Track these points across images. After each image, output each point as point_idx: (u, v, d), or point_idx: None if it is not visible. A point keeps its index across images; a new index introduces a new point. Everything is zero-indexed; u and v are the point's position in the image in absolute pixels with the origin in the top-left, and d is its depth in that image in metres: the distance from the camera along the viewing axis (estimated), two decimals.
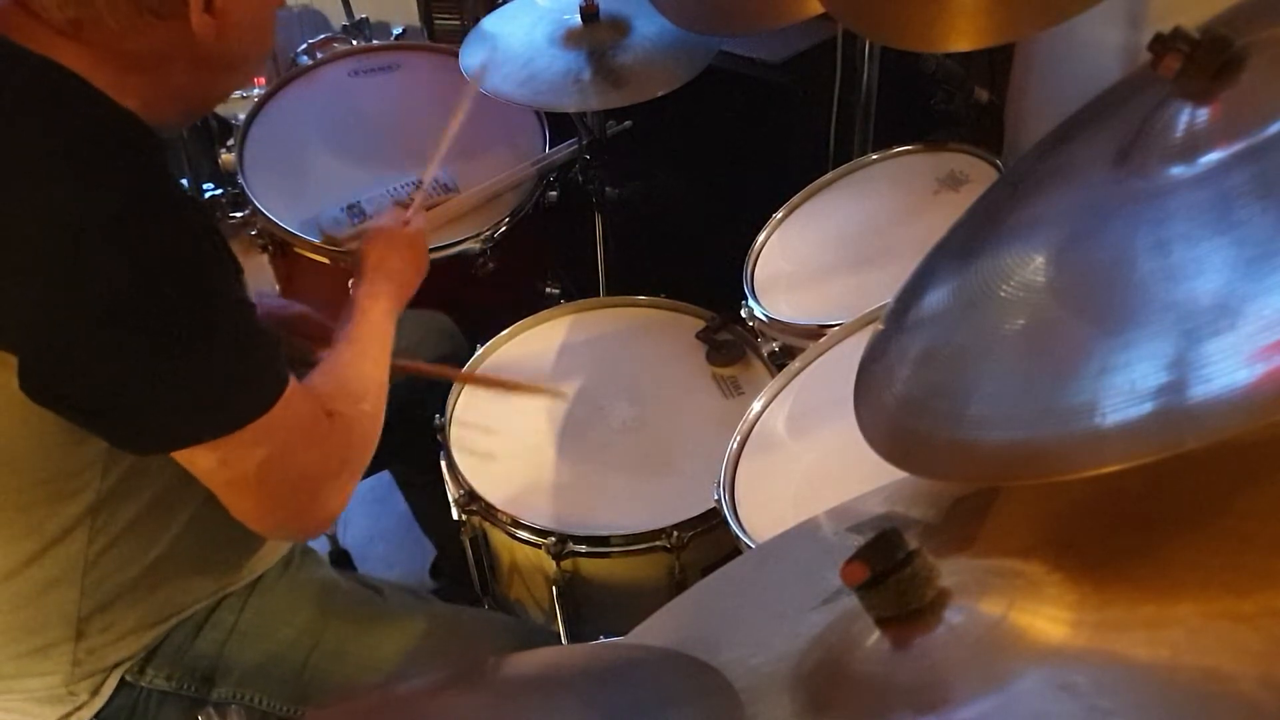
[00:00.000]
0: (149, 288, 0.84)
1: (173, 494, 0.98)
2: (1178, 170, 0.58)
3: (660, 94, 1.47)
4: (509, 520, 1.26)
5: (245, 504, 0.94)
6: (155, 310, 0.85)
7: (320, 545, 1.75)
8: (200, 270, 0.88)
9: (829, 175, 1.52)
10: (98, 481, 0.94)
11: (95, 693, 1.03)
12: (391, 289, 1.20)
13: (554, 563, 1.23)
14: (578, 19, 1.56)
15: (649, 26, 1.56)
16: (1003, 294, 0.64)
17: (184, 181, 2.40)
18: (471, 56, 1.58)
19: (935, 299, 0.72)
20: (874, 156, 1.54)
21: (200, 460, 0.90)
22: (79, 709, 1.03)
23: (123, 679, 1.04)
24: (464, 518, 1.31)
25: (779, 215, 1.49)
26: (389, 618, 1.15)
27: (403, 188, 1.63)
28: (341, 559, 1.90)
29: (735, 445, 1.16)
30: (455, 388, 1.42)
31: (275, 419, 0.90)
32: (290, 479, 0.95)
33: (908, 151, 1.51)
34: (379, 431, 1.07)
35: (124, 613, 1.02)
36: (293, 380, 0.94)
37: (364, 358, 1.10)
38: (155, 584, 1.03)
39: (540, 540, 1.23)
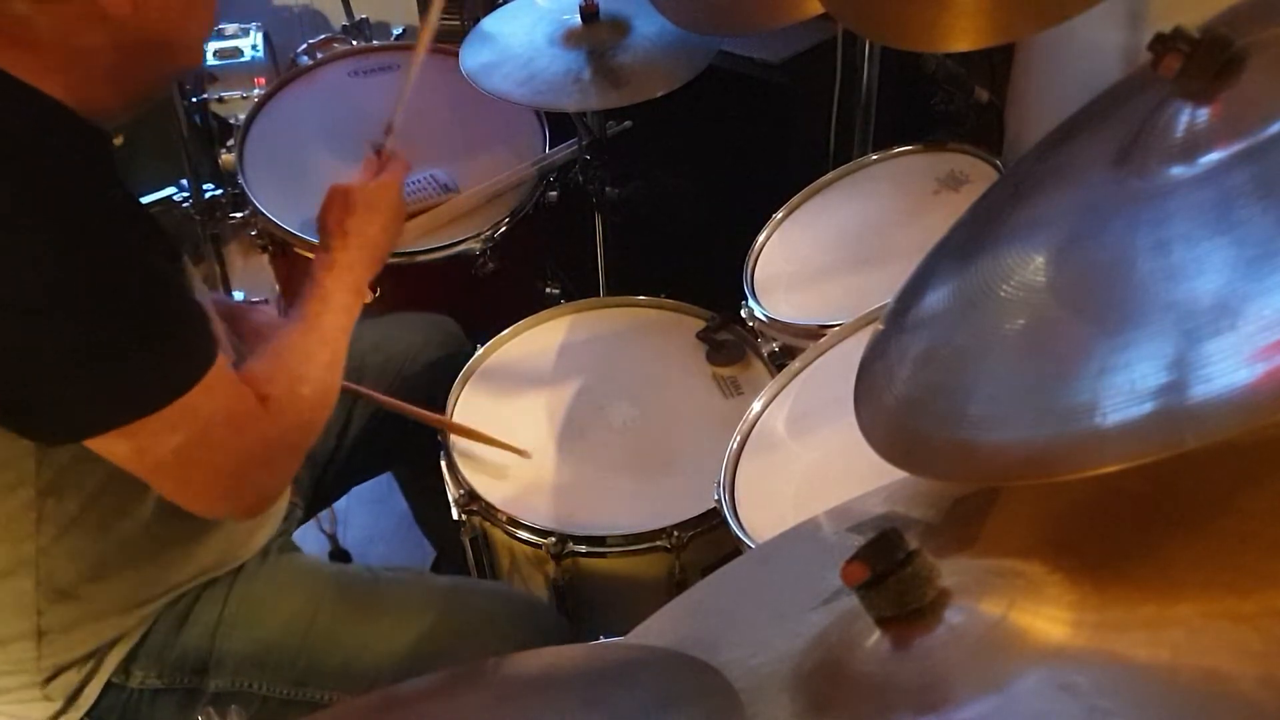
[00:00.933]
0: (62, 266, 0.82)
1: (123, 482, 0.96)
2: (1178, 170, 0.58)
3: (660, 94, 1.47)
4: (509, 520, 1.26)
5: (170, 488, 0.93)
6: (68, 288, 0.83)
7: (320, 545, 1.75)
8: (108, 250, 0.86)
9: (829, 175, 1.52)
10: (34, 472, 0.92)
11: (74, 697, 1.02)
12: (351, 255, 1.14)
13: (554, 562, 1.23)
14: (578, 19, 1.56)
15: (649, 26, 1.56)
16: (1003, 294, 0.64)
17: (184, 181, 2.40)
18: (472, 56, 1.58)
19: (935, 299, 0.72)
20: (874, 156, 1.54)
21: (116, 449, 0.88)
22: (61, 714, 1.02)
23: (109, 682, 1.03)
24: (464, 518, 1.31)
25: (779, 215, 1.49)
26: (385, 596, 1.15)
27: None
28: (341, 559, 1.90)
29: (735, 445, 1.16)
30: (455, 388, 1.42)
31: (191, 404, 0.88)
32: (213, 464, 0.93)
33: (908, 151, 1.51)
34: (325, 411, 1.05)
35: (85, 602, 1.00)
36: (218, 363, 0.92)
37: (310, 334, 1.06)
38: (115, 572, 1.01)
39: (540, 540, 1.23)
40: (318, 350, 1.06)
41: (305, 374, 1.03)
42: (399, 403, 1.33)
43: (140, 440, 0.88)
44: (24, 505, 0.93)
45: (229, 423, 0.93)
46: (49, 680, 1.01)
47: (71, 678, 1.02)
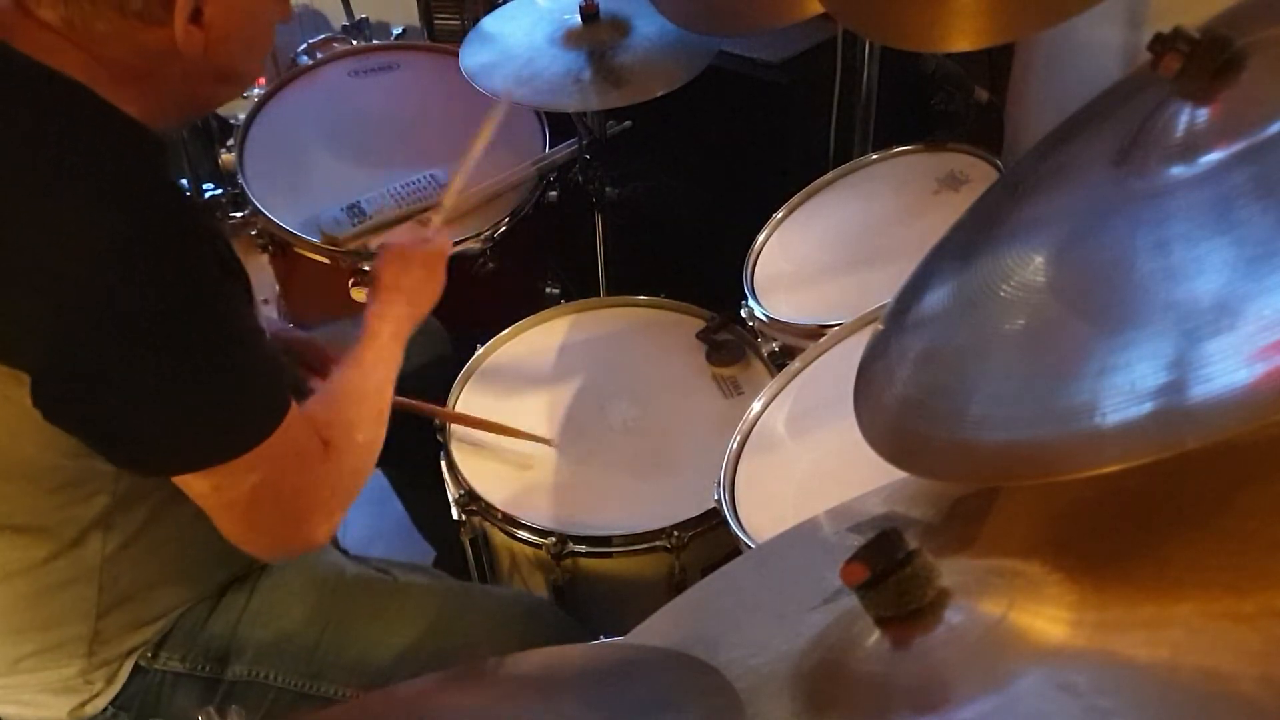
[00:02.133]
0: (160, 312, 0.84)
1: (182, 491, 0.98)
2: (1178, 170, 0.58)
3: (660, 93, 1.47)
4: (509, 520, 1.26)
5: (234, 526, 0.94)
6: (165, 334, 0.85)
7: None
8: (211, 295, 0.88)
9: (829, 175, 1.52)
10: (110, 487, 0.94)
11: (110, 680, 1.04)
12: (402, 309, 1.18)
13: (554, 563, 1.23)
14: (578, 19, 1.56)
15: (649, 26, 1.56)
16: (1003, 294, 0.64)
17: (184, 181, 2.40)
18: (472, 56, 1.58)
19: (935, 299, 0.72)
20: (874, 156, 1.54)
21: (195, 484, 0.91)
22: (95, 696, 1.04)
23: (136, 664, 1.05)
24: (464, 518, 1.31)
25: (779, 215, 1.49)
26: (400, 595, 1.16)
27: (403, 187, 1.63)
28: None
29: (735, 445, 1.16)
30: (455, 388, 1.42)
31: (271, 446, 0.91)
32: (281, 504, 0.95)
33: (908, 151, 1.51)
34: (373, 461, 1.06)
35: (141, 605, 1.03)
36: (292, 406, 0.94)
37: (365, 383, 1.09)
38: (170, 576, 1.04)
39: (540, 540, 1.23)
40: (372, 399, 1.08)
41: (359, 421, 1.05)
42: (412, 401, 1.33)
43: (219, 479, 0.90)
44: (96, 517, 0.95)
45: (300, 463, 0.95)
46: (93, 672, 1.03)
47: (113, 666, 1.04)
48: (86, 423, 0.87)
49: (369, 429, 1.06)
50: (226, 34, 0.91)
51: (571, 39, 1.56)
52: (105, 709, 1.04)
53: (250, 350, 0.92)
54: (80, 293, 0.81)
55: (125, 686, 1.05)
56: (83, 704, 1.03)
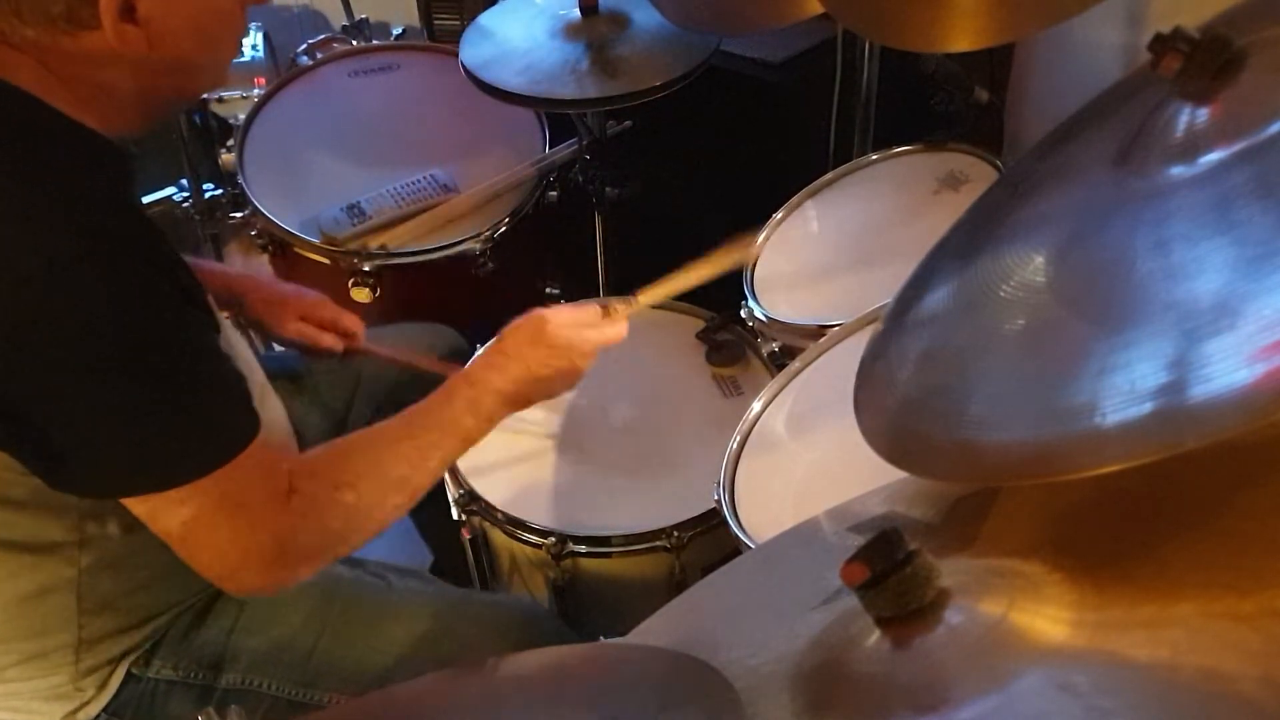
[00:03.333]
0: (98, 336, 0.81)
1: None
2: (1178, 170, 0.58)
3: (658, 84, 1.47)
4: (509, 520, 1.26)
5: (179, 554, 0.90)
6: (101, 360, 0.82)
7: None
8: (155, 318, 0.84)
9: (829, 175, 1.52)
10: (77, 501, 0.92)
11: (101, 687, 1.04)
12: (502, 383, 1.03)
13: (554, 563, 1.23)
14: (577, 13, 1.56)
15: (648, 20, 1.55)
16: (1003, 294, 0.64)
17: (184, 181, 2.40)
18: (471, 53, 1.58)
19: (935, 299, 0.72)
20: (874, 156, 1.54)
21: (133, 507, 0.88)
22: (87, 704, 1.03)
23: (129, 672, 1.05)
24: (464, 518, 1.31)
25: (779, 215, 1.49)
26: (396, 602, 1.15)
27: (402, 187, 1.63)
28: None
29: (735, 445, 1.16)
30: None
31: (212, 483, 0.86)
32: (218, 546, 0.90)
33: (908, 151, 1.51)
34: (367, 529, 0.97)
35: (124, 612, 1.02)
36: (250, 448, 0.88)
37: (399, 444, 0.99)
38: (151, 582, 1.03)
39: (540, 540, 1.23)
40: (394, 464, 0.97)
41: (358, 480, 0.95)
42: (410, 355, 1.32)
43: (151, 505, 0.88)
44: (68, 529, 0.94)
45: (241, 509, 0.89)
46: (84, 677, 1.03)
47: (103, 673, 1.04)
48: (16, 441, 0.85)
49: (366, 494, 0.95)
50: (170, 26, 0.86)
51: (571, 32, 1.56)
52: (98, 716, 1.04)
53: (198, 382, 0.87)
54: (14, 314, 0.79)
55: (118, 694, 1.04)
56: (75, 711, 1.03)
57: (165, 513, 0.88)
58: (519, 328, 1.07)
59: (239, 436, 0.89)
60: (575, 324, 1.08)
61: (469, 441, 1.04)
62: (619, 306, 1.15)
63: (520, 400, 1.06)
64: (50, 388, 0.82)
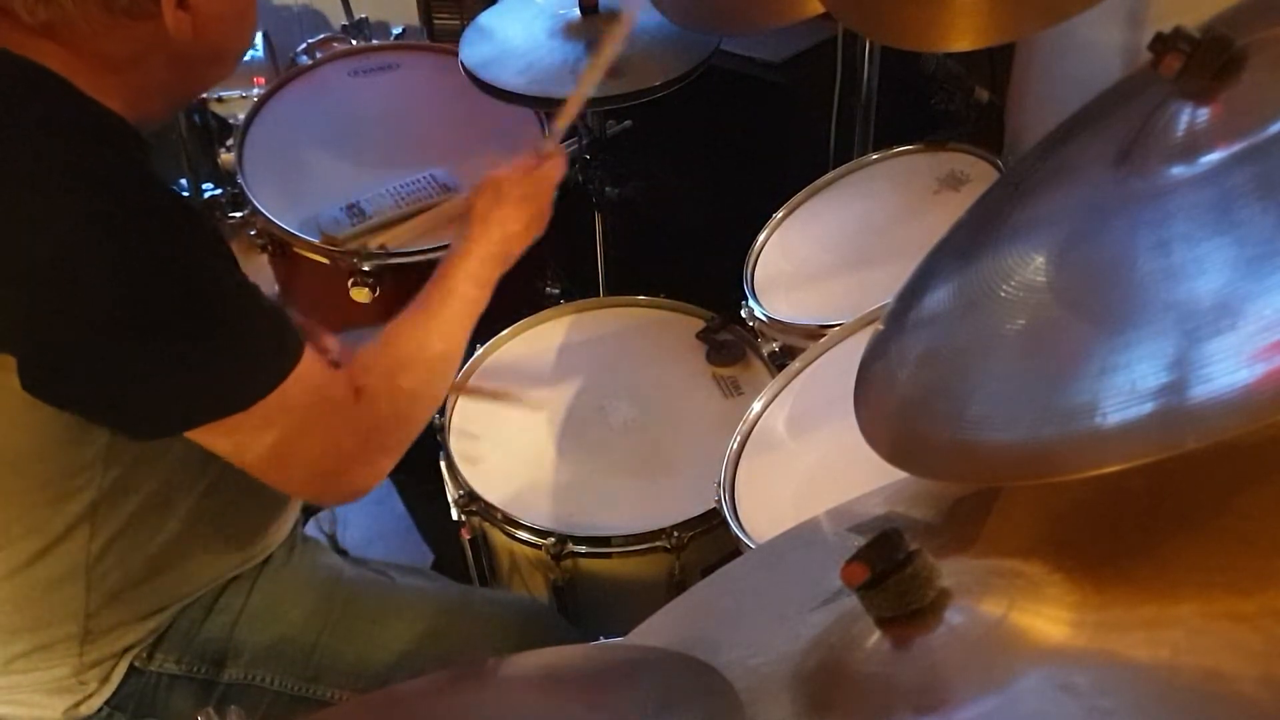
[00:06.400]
0: (140, 285, 0.84)
1: (171, 486, 0.99)
2: (1178, 170, 0.58)
3: (659, 83, 1.46)
4: (508, 520, 1.26)
5: (272, 480, 0.95)
6: (148, 307, 0.85)
7: None
8: (192, 261, 0.87)
9: (829, 175, 1.52)
10: (98, 479, 0.94)
11: (104, 680, 1.04)
12: (490, 247, 1.11)
13: (554, 563, 1.23)
14: (576, 12, 1.56)
15: (648, 18, 1.55)
16: (1003, 294, 0.64)
17: (184, 181, 2.40)
18: (471, 53, 1.58)
19: (936, 299, 0.72)
20: (874, 156, 1.54)
21: (216, 443, 0.91)
22: (90, 697, 1.04)
23: (131, 665, 1.05)
24: (463, 518, 1.31)
25: (779, 215, 1.49)
26: (399, 599, 1.15)
27: (402, 187, 1.63)
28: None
29: (735, 445, 1.16)
30: (453, 390, 1.42)
31: (281, 400, 0.89)
32: (308, 457, 0.94)
33: (908, 151, 1.51)
34: (428, 406, 1.03)
35: (130, 604, 1.02)
36: (307, 356, 0.92)
37: (428, 324, 1.05)
38: (159, 573, 1.03)
39: (540, 541, 1.23)
40: (430, 341, 1.04)
41: (409, 365, 1.02)
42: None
43: (238, 437, 0.90)
44: (83, 512, 0.95)
45: (321, 417, 0.93)
46: (87, 670, 1.03)
47: (106, 666, 1.04)
48: (80, 395, 0.87)
49: (419, 375, 1.02)
50: (215, 12, 0.90)
51: (571, 32, 1.56)
52: (100, 709, 1.04)
53: (239, 309, 0.90)
54: (56, 274, 0.81)
55: (120, 687, 1.04)
56: (77, 704, 1.03)
57: (253, 441, 0.90)
58: (481, 196, 1.15)
59: (294, 348, 0.92)
60: (524, 172, 1.17)
61: (479, 307, 1.11)
62: (546, 142, 1.23)
63: (509, 257, 1.14)
64: (107, 337, 0.84)
